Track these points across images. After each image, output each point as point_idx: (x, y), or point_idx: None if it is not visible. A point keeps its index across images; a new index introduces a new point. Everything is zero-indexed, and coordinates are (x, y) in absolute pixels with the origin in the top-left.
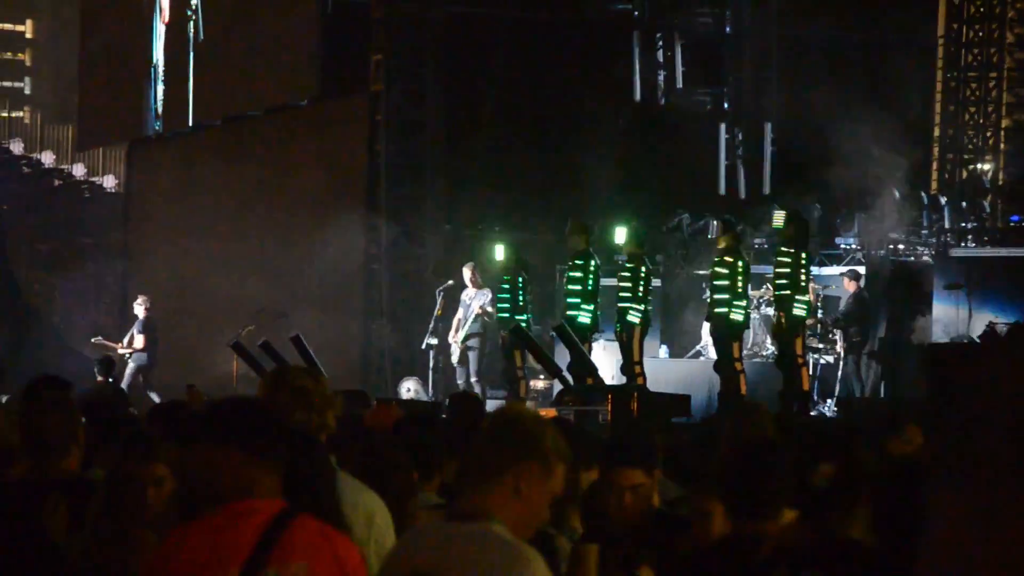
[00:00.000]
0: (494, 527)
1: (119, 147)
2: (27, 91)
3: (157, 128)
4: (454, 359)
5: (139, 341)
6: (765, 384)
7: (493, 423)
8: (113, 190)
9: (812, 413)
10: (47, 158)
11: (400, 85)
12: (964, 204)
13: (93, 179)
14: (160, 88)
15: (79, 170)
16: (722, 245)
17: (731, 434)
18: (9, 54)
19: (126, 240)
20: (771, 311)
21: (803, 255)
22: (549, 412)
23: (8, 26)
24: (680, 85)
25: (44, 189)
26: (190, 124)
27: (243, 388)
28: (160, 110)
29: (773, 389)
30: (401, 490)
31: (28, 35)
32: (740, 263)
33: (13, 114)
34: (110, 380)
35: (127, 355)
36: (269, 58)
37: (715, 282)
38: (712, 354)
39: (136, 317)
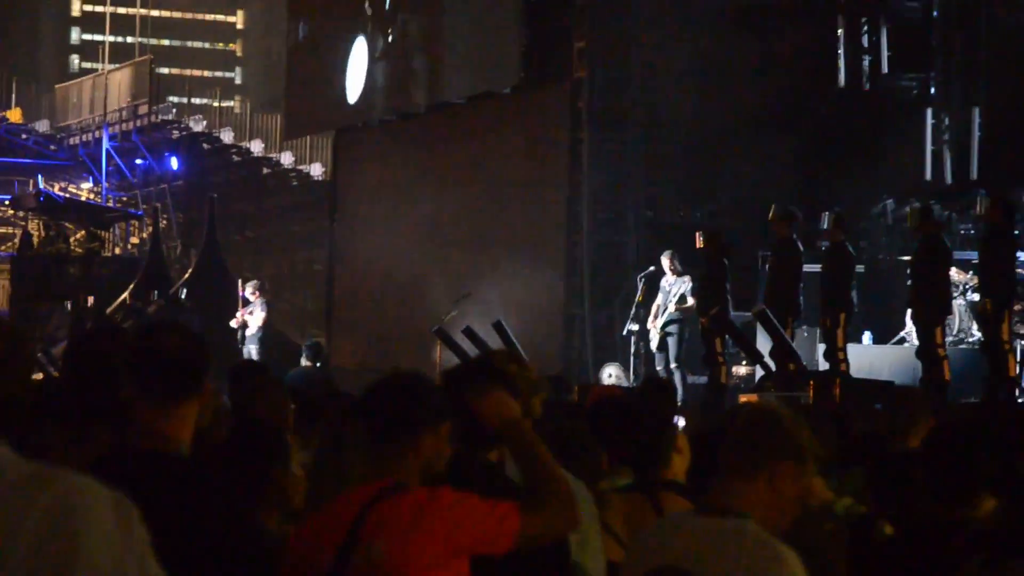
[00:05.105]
0: (749, 524)
1: (326, 135)
2: (238, 81)
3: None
4: (653, 345)
5: (256, 320)
6: (972, 370)
7: (750, 420)
8: (320, 178)
9: (1020, 400)
10: (256, 147)
11: (602, 72)
12: None
13: (300, 167)
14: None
15: (287, 158)
16: (923, 231)
17: (887, 420)
18: (220, 44)
19: (332, 227)
20: (977, 297)
21: (1010, 241)
22: (751, 398)
23: (220, 17)
24: (886, 70)
25: (253, 177)
26: (395, 112)
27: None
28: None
29: (980, 375)
30: (588, 473)
31: (239, 25)
32: (941, 249)
33: (224, 103)
34: (318, 364)
35: (242, 326)
36: (473, 46)
37: (917, 268)
38: (916, 340)
39: (248, 300)
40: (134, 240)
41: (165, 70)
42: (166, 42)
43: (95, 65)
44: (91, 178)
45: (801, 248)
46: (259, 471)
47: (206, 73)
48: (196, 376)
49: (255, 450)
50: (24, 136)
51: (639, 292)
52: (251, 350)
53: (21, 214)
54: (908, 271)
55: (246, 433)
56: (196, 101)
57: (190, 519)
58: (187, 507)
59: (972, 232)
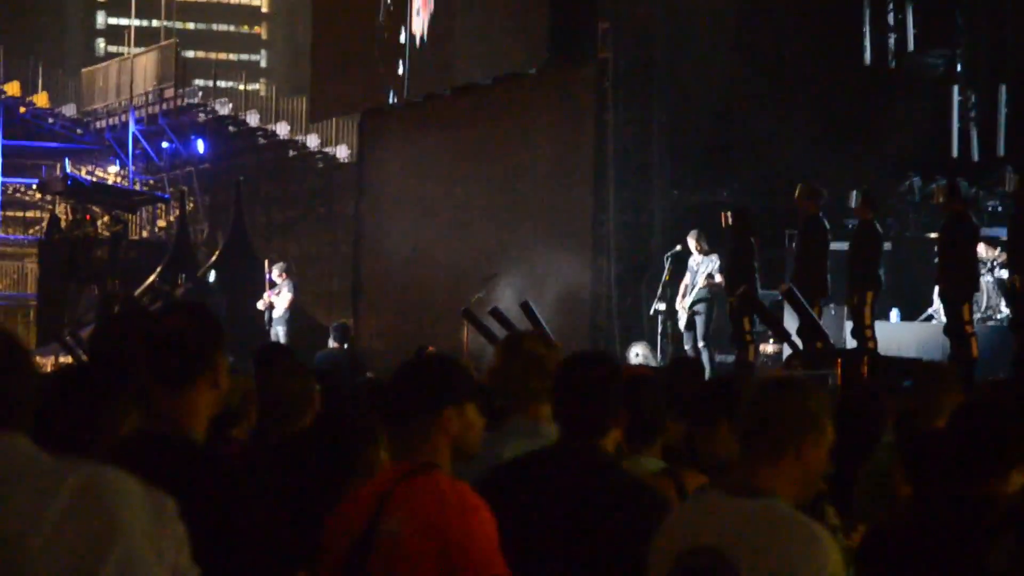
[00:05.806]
0: (780, 504)
1: (351, 118)
2: (263, 64)
3: (393, 96)
4: (681, 324)
5: (283, 302)
6: (1000, 347)
7: (766, 396)
8: (346, 160)
9: None
10: (282, 129)
11: (627, 53)
12: None
13: (326, 149)
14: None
15: (313, 141)
16: (950, 208)
17: (916, 397)
18: (246, 28)
19: (358, 209)
20: (1006, 273)
21: None
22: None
23: (244, 0)
24: (912, 48)
25: (279, 160)
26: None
27: (474, 355)
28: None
29: (1008, 352)
30: None
31: (264, 9)
32: (968, 226)
33: (249, 87)
34: (345, 346)
35: (268, 308)
36: (499, 27)
37: (944, 245)
38: (944, 318)
39: (275, 282)
40: (161, 223)
41: (191, 53)
42: (191, 25)
43: (121, 49)
44: (118, 162)
45: (827, 226)
46: (351, 450)
47: (231, 56)
48: (201, 356)
49: (346, 430)
50: (51, 120)
51: (666, 271)
52: (278, 332)
53: (48, 198)
54: (935, 248)
55: (337, 414)
56: (221, 84)
57: (195, 505)
58: (192, 493)
59: (1000, 208)
